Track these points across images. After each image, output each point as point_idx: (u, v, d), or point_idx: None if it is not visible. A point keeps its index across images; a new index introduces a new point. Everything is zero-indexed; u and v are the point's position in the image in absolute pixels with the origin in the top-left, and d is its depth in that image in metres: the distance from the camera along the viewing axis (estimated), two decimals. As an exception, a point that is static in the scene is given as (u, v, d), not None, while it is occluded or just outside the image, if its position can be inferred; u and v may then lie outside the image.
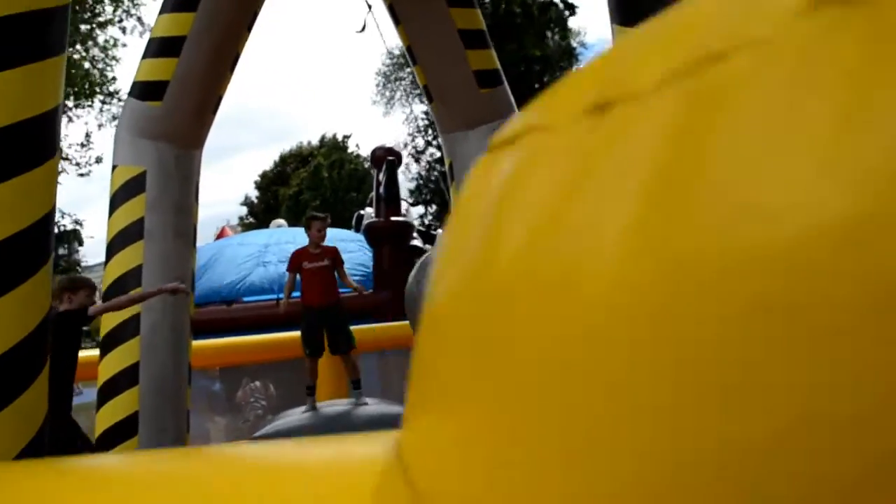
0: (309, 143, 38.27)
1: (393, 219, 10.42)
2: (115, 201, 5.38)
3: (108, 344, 5.20)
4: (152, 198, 5.32)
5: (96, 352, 5.45)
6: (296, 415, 5.69)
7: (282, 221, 18.70)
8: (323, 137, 37.06)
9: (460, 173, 5.99)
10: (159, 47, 5.29)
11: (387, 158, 10.28)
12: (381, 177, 10.35)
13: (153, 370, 5.19)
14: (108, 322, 5.22)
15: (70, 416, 4.01)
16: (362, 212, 11.86)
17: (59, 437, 3.67)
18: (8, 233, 1.94)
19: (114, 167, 5.47)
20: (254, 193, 37.72)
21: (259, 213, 36.02)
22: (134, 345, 5.17)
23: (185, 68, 5.20)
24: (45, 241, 2.11)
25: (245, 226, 31.78)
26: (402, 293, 6.30)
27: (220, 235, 14.33)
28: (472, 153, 5.86)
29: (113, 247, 5.33)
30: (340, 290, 6.09)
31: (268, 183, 37.30)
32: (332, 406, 5.78)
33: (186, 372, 5.50)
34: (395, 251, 10.46)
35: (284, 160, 37.89)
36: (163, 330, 5.26)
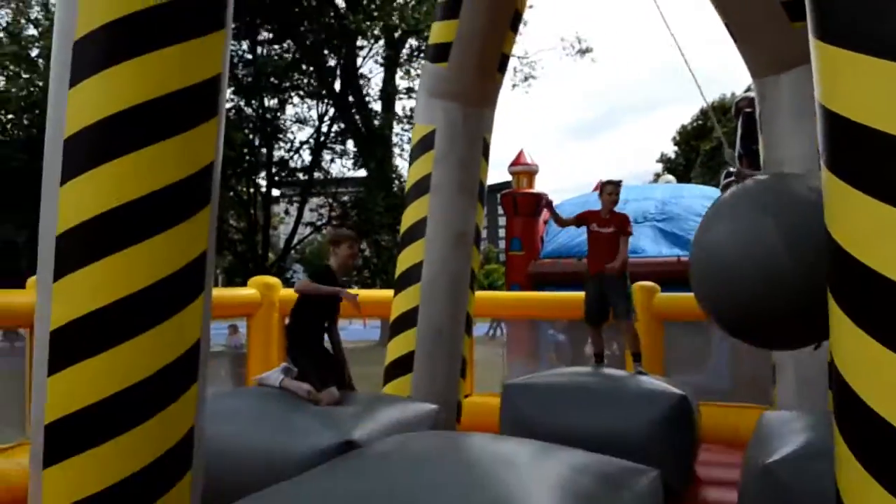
0: (733, 94, 35.69)
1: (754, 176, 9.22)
2: (412, 158, 5.84)
3: (400, 284, 5.73)
4: (440, 154, 5.63)
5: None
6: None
7: (670, 178, 18.02)
8: (749, 88, 34.25)
9: (768, 124, 5.05)
10: (444, 10, 5.51)
11: (744, 110, 9.04)
12: (741, 129, 9.17)
13: (430, 316, 5.57)
14: (403, 264, 5.74)
15: (324, 351, 4.55)
16: (732, 169, 10.76)
17: (311, 369, 4.24)
18: (170, 271, 2.31)
19: (412, 126, 5.93)
20: (671, 149, 36.80)
21: (676, 170, 35.08)
22: (416, 290, 5.60)
23: (466, 28, 5.33)
24: (200, 278, 2.44)
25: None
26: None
27: (517, 162, 14.24)
28: (784, 99, 4.89)
29: (408, 199, 5.81)
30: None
31: (687, 138, 36.02)
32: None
33: (463, 320, 5.76)
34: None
35: (705, 113, 36.06)
36: (441, 280, 5.58)
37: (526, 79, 24.82)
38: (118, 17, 2.21)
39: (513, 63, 24.56)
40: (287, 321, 4.66)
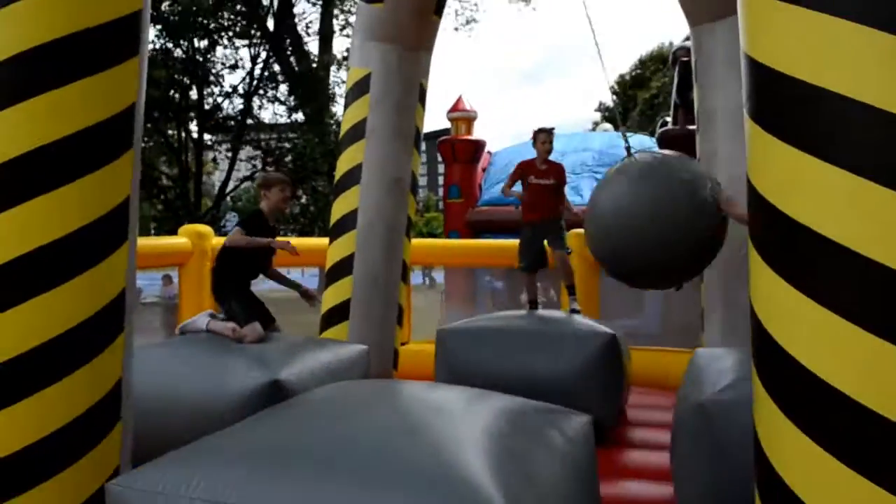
0: (671, 43, 36.06)
1: (690, 127, 9.41)
2: (347, 101, 5.72)
3: (334, 232, 5.67)
4: (375, 98, 5.53)
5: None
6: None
7: (608, 126, 18.20)
8: (687, 37, 34.61)
9: (703, 73, 5.11)
10: (379, -51, 5.35)
11: (681, 59, 9.16)
12: (677, 79, 9.31)
13: (365, 263, 5.54)
14: (336, 212, 5.67)
15: (250, 294, 4.49)
16: (668, 118, 10.90)
17: (237, 309, 4.23)
18: (91, 218, 2.19)
19: (348, 69, 5.78)
20: (609, 98, 37.05)
21: (614, 119, 35.40)
22: (351, 237, 5.55)
23: (401, -32, 5.20)
24: (123, 225, 2.33)
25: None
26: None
27: (455, 108, 14.31)
28: (718, 48, 4.95)
29: (342, 144, 5.71)
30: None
31: (625, 87, 36.33)
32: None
33: (399, 268, 5.76)
34: (694, 162, 9.51)
35: (644, 63, 36.39)
36: (376, 227, 5.55)
37: (468, 22, 24.47)
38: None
39: (454, 6, 24.21)
40: (213, 264, 4.56)
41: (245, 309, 4.27)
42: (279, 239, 4.48)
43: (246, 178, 24.29)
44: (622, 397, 5.04)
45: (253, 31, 22.12)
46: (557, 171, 5.72)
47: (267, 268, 4.65)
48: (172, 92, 20.92)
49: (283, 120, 23.56)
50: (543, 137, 5.71)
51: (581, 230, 7.49)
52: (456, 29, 24.78)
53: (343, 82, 21.80)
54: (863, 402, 1.44)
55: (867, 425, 1.45)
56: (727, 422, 2.69)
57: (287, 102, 22.95)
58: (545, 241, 5.72)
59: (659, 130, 10.17)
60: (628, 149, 4.28)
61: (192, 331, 4.30)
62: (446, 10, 23.68)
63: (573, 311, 5.62)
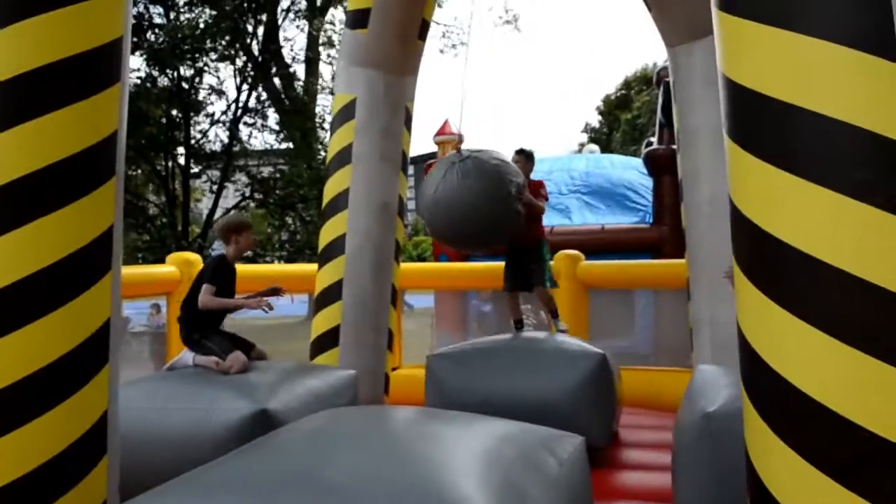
0: (655, 64, 36.49)
1: (675, 147, 9.49)
2: (333, 127, 5.74)
3: (323, 258, 5.66)
4: (361, 123, 5.55)
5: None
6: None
7: (594, 147, 18.34)
8: (670, 58, 35.02)
9: (682, 92, 5.16)
10: (362, -25, 5.40)
11: (665, 80, 9.26)
12: (661, 99, 9.42)
13: (355, 289, 5.53)
14: (325, 237, 5.67)
15: (222, 331, 4.42)
16: (652, 138, 11.01)
17: (214, 346, 4.19)
18: (74, 248, 2.18)
19: (334, 95, 5.82)
20: (596, 119, 37.44)
21: (600, 139, 35.72)
22: (340, 263, 5.54)
23: (384, -6, 5.25)
24: (106, 255, 2.32)
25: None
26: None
27: (441, 132, 14.40)
28: (696, 67, 5.00)
29: (329, 169, 5.72)
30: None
31: (610, 108, 36.67)
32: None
33: (389, 293, 5.75)
34: (677, 182, 9.57)
35: (629, 84, 36.77)
36: (365, 252, 5.54)
37: (454, 46, 24.71)
38: (5, -22, 2.07)
39: (441, 30, 24.46)
40: (180, 313, 4.44)
41: (219, 343, 4.23)
42: (250, 300, 4.41)
43: (234, 207, 24.26)
44: (614, 417, 5.02)
45: (238, 57, 22.22)
46: (533, 187, 5.55)
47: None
48: (163, 121, 20.95)
49: (268, 145, 23.63)
50: (515, 157, 5.56)
51: (571, 251, 7.56)
52: (441, 51, 25.02)
53: (329, 109, 21.91)
54: (848, 417, 1.44)
55: (854, 440, 1.45)
56: (732, 432, 2.68)
57: (273, 129, 23.02)
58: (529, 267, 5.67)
59: (645, 150, 10.25)
60: (458, 148, 5.11)
61: (180, 367, 4.26)
62: (433, 33, 23.95)
63: (560, 331, 5.61)
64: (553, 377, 4.64)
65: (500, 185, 4.96)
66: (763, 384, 1.66)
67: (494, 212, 4.96)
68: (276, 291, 4.59)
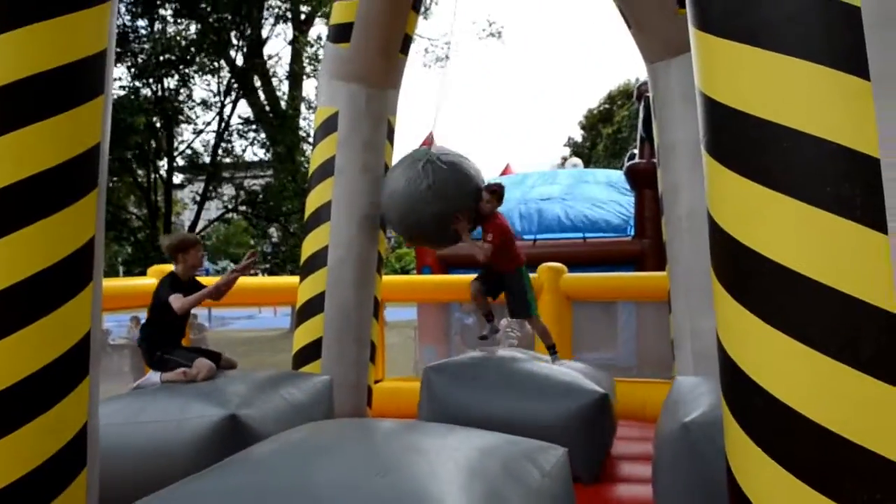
0: (638, 79, 36.83)
1: (655, 160, 9.59)
2: (315, 140, 5.74)
3: (305, 270, 5.64)
4: (343, 136, 5.56)
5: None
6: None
7: (577, 161, 18.46)
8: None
9: (661, 108, 5.23)
10: (345, -11, 5.43)
11: (646, 94, 9.37)
12: (642, 113, 9.52)
13: (337, 301, 5.52)
14: (307, 249, 5.66)
15: (184, 346, 4.44)
16: (635, 151, 11.10)
17: (179, 359, 4.20)
18: (55, 259, 2.17)
19: (316, 109, 5.82)
20: (578, 133, 37.67)
21: (583, 153, 35.93)
22: (322, 275, 5.53)
23: (367, 8, 5.28)
24: (87, 266, 2.31)
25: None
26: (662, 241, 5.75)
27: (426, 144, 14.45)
28: (674, 84, 5.07)
29: (311, 182, 5.72)
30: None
31: (593, 122, 36.94)
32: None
33: (371, 305, 5.74)
34: (658, 196, 9.67)
35: (612, 98, 37.07)
36: (347, 264, 5.54)
37: (438, 60, 24.82)
38: (-11, -10, 2.07)
39: (424, 44, 24.58)
40: (140, 335, 4.43)
41: (183, 355, 4.24)
42: (231, 275, 4.45)
43: (217, 218, 24.15)
44: (607, 452, 4.99)
45: (222, 69, 22.20)
46: (495, 228, 5.33)
47: (186, 320, 4.56)
48: (149, 136, 20.88)
49: (254, 157, 23.59)
50: (483, 195, 5.34)
51: (554, 264, 7.59)
52: (426, 66, 25.14)
53: (312, 122, 21.89)
54: (827, 426, 1.47)
55: (833, 450, 1.48)
56: (711, 442, 2.71)
57: (257, 141, 22.98)
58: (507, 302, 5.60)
59: (627, 164, 10.35)
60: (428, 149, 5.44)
61: (147, 386, 4.23)
62: (417, 47, 23.99)
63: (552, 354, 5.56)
64: (552, 410, 4.58)
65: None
66: (743, 394, 1.68)
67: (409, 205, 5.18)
68: (250, 261, 4.57)
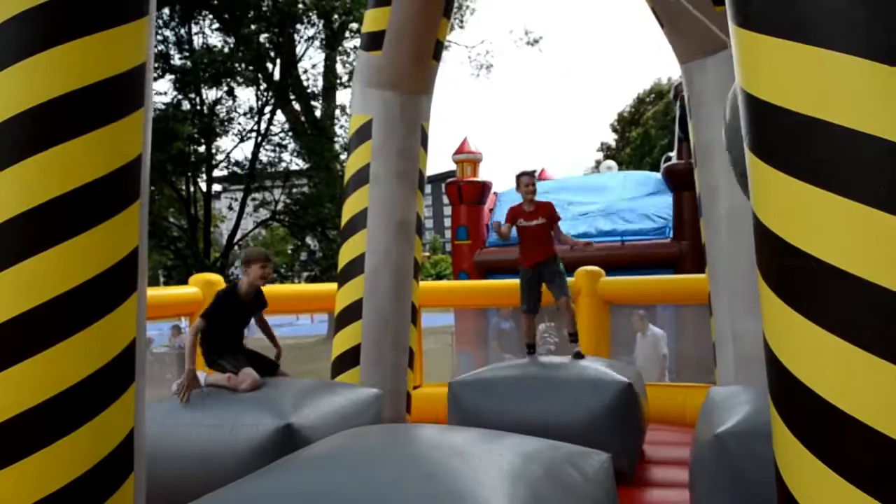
0: (669, 78, 36.36)
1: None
2: (350, 148, 5.79)
3: (342, 277, 5.68)
4: (377, 143, 5.60)
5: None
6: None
7: (612, 164, 18.30)
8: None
9: (697, 108, 5.16)
10: (376, -3, 5.47)
11: (682, 94, 9.24)
12: (678, 112, 9.39)
13: (375, 307, 5.54)
14: (344, 257, 5.70)
15: (243, 349, 4.44)
16: (671, 153, 10.98)
17: (228, 364, 4.23)
18: (100, 269, 2.23)
19: (350, 117, 5.87)
20: (611, 137, 37.34)
21: (616, 156, 35.61)
22: (359, 282, 5.56)
23: (399, 16, 5.31)
24: (132, 276, 2.36)
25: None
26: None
27: (461, 150, 14.42)
28: (710, 83, 5.00)
29: (347, 190, 5.76)
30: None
31: (624, 125, 36.63)
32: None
33: (409, 311, 5.76)
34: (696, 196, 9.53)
35: (642, 100, 36.72)
36: (384, 271, 5.56)
37: (481, 67, 25.02)
38: (34, 6, 2.12)
39: (466, 52, 24.80)
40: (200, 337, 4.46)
41: (232, 361, 4.26)
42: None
43: (256, 227, 24.49)
44: (639, 444, 4.96)
45: (260, 81, 22.55)
46: (545, 209, 5.66)
47: (242, 328, 4.61)
48: (189, 144, 21.32)
49: (291, 167, 23.90)
50: (525, 180, 5.66)
51: (591, 267, 7.52)
52: (475, 75, 25.46)
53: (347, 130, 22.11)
54: (879, 430, 1.43)
55: (885, 453, 1.43)
56: (743, 453, 2.67)
57: (294, 151, 23.27)
58: (543, 284, 5.67)
59: (664, 165, 10.23)
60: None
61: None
62: (460, 60, 24.19)
63: (576, 354, 5.51)
64: (579, 406, 4.59)
65: None
66: (792, 397, 1.64)
67: None
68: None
